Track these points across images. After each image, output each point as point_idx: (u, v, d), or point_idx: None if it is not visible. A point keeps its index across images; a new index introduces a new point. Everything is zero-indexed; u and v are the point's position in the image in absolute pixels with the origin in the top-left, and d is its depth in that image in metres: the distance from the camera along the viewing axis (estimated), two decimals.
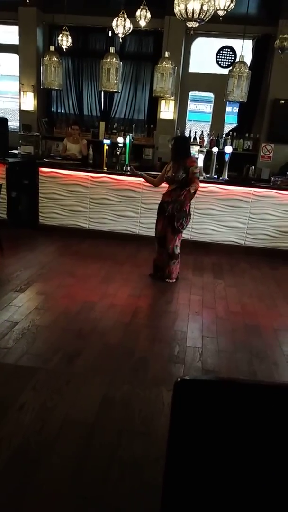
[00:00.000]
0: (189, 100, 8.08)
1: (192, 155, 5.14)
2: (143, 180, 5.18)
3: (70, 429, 2.29)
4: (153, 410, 2.49)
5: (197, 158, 6.43)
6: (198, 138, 7.62)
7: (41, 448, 2.14)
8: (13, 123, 8.52)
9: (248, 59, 6.84)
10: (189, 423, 1.02)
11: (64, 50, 5.86)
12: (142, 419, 2.42)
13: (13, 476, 1.96)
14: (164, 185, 4.73)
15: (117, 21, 5.17)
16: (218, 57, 7.61)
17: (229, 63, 7.43)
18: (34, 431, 2.24)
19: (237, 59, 5.59)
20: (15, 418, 2.32)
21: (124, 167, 6.07)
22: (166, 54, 5.72)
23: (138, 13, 5.16)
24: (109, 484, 1.96)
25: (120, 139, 6.37)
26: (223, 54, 7.58)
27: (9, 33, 8.05)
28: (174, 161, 4.51)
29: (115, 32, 5.32)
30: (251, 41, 7.25)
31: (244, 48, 5.83)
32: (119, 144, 6.35)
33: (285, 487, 1.04)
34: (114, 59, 5.30)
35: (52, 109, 8.36)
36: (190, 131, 7.92)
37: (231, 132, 7.75)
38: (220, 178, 6.01)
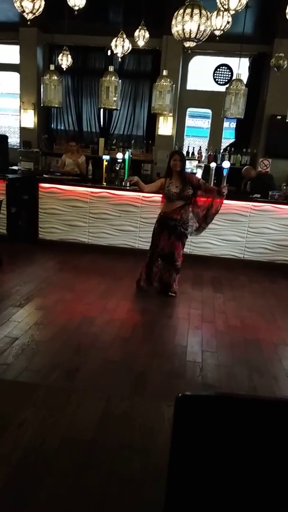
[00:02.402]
0: (187, 116, 8.23)
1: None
2: (141, 192, 5.18)
3: (70, 446, 2.27)
4: (153, 426, 2.47)
5: (195, 173, 6.54)
6: (196, 153, 7.73)
7: (41, 465, 2.12)
8: (13, 140, 8.64)
9: (244, 76, 6.99)
10: (190, 439, 1.03)
11: (64, 69, 5.98)
12: (142, 435, 2.41)
13: (12, 493, 1.94)
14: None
15: (116, 41, 5.30)
16: (215, 74, 7.77)
17: (226, 80, 7.59)
18: (33, 448, 2.22)
19: (234, 77, 5.70)
20: (14, 435, 2.31)
21: (123, 183, 6.13)
22: (164, 72, 5.84)
23: (136, 33, 5.28)
24: (108, 501, 1.94)
25: (119, 155, 6.45)
26: (220, 72, 7.75)
27: (10, 52, 8.22)
28: (178, 176, 4.40)
29: (114, 52, 5.44)
30: (247, 59, 7.42)
31: (241, 66, 5.96)
32: (118, 160, 6.43)
33: (286, 500, 1.03)
34: (113, 77, 5.40)
35: (52, 126, 8.49)
36: (189, 147, 8.04)
37: (228, 147, 7.87)
38: None
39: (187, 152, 7.66)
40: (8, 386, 2.81)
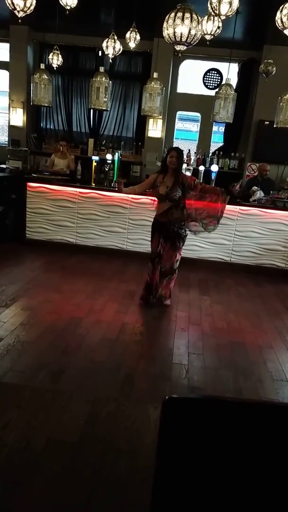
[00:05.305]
0: (176, 119, 8.27)
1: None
2: (133, 194, 5.09)
3: (55, 448, 2.25)
4: (139, 428, 2.48)
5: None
6: (185, 157, 7.75)
7: (25, 467, 2.10)
8: (2, 138, 8.57)
9: (234, 81, 7.08)
10: (177, 441, 1.03)
11: (55, 68, 5.95)
12: (128, 437, 2.40)
13: None
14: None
15: (107, 42, 5.29)
16: (205, 78, 7.84)
17: (216, 84, 7.66)
18: (18, 450, 2.20)
19: (224, 81, 5.75)
20: None
21: (112, 183, 6.13)
22: (155, 75, 5.86)
23: (128, 35, 5.28)
24: (94, 504, 1.93)
25: (108, 156, 6.44)
26: (210, 76, 7.82)
27: (0, 50, 8.15)
28: (172, 174, 4.17)
29: (105, 53, 5.44)
30: (237, 64, 7.50)
31: (230, 71, 6.01)
32: (108, 161, 6.43)
33: (272, 502, 1.05)
34: (104, 78, 5.40)
35: (41, 125, 8.44)
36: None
37: (217, 151, 7.94)
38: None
39: None
40: None
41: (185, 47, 3.68)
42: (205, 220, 4.33)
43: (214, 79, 7.79)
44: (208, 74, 7.82)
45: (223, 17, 3.63)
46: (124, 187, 4.74)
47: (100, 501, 1.95)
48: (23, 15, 3.71)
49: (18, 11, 3.64)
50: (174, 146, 4.88)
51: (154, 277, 4.43)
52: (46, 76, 5.72)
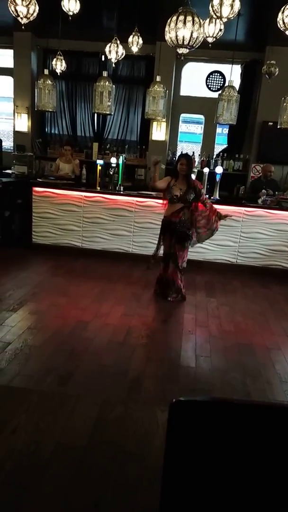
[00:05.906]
0: (180, 122, 8.29)
1: None
2: (152, 183, 5.01)
3: (63, 452, 2.26)
4: (147, 431, 2.47)
5: None
6: None
7: (34, 471, 2.10)
8: (7, 143, 8.64)
9: (237, 83, 7.07)
10: (185, 444, 1.03)
11: (58, 74, 6.00)
12: (136, 440, 2.40)
13: (5, 500, 1.92)
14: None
15: (110, 46, 5.33)
16: (208, 81, 7.85)
17: (219, 87, 7.67)
18: (26, 455, 2.21)
19: (226, 83, 5.76)
20: (7, 442, 2.29)
21: (117, 187, 6.15)
22: (158, 78, 5.88)
23: (130, 39, 5.32)
24: (103, 507, 1.93)
25: (113, 160, 6.47)
26: (213, 78, 7.83)
27: (4, 57, 8.23)
28: (183, 179, 4.49)
29: (108, 57, 5.47)
30: (239, 66, 7.50)
31: (233, 73, 6.01)
32: (112, 165, 6.45)
33: (281, 505, 1.04)
34: (107, 82, 5.42)
35: (46, 130, 8.50)
36: (182, 152, 8.07)
37: (221, 153, 7.94)
38: (212, 197, 6.10)
39: None
40: (0, 391, 2.79)
41: (187, 50, 3.70)
42: (200, 230, 4.70)
43: (217, 81, 7.80)
44: (211, 76, 7.83)
45: (224, 20, 3.64)
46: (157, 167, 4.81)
47: (109, 504, 1.95)
48: (26, 21, 3.75)
49: (22, 18, 3.69)
50: (184, 153, 5.08)
51: (167, 273, 4.73)
52: (50, 82, 5.77)
